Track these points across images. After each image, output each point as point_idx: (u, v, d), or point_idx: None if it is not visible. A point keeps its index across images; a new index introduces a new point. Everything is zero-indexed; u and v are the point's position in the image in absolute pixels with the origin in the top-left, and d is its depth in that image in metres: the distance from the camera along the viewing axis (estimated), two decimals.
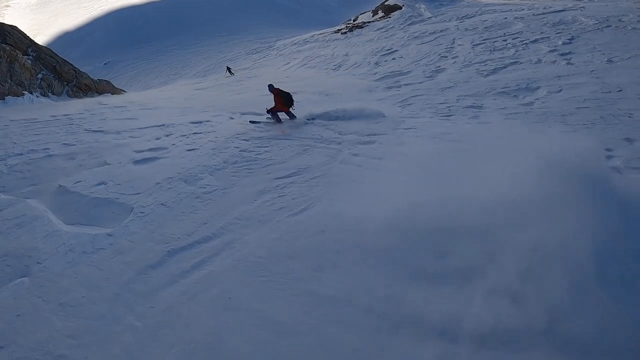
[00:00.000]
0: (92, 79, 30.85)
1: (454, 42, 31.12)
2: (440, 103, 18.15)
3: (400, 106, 18.39)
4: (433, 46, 31.29)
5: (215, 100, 22.77)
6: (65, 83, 29.22)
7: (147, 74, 50.34)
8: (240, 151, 12.01)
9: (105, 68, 54.48)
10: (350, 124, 14.45)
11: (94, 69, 52.52)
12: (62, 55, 29.72)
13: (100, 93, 31.00)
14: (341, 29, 44.61)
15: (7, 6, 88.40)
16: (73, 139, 14.14)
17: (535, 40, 26.68)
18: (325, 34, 44.08)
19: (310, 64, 35.14)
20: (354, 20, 48.07)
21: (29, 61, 27.53)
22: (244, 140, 13.05)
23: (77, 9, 78.94)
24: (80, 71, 30.28)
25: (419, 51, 30.81)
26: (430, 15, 42.57)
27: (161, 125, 15.50)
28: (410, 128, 14.08)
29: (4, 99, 23.45)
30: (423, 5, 45.47)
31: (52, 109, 20.86)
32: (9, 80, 25.12)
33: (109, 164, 11.58)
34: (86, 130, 15.35)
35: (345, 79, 27.74)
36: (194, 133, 14.38)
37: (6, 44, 26.31)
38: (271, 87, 14.74)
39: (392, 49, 33.63)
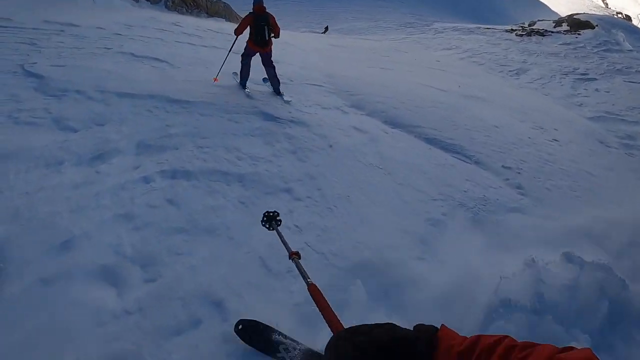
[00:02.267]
0: None
1: None
2: None
3: None
4: None
5: (342, 65, 11.70)
6: None
7: (291, 15, 39.02)
8: None
9: None
10: None
11: None
12: None
13: (210, 15, 20.90)
14: (516, 30, 31.96)
15: None
16: None
17: None
18: (494, 30, 31.55)
19: (476, 58, 23.58)
20: (529, 25, 34.97)
21: None
22: None
23: None
24: None
25: (632, 92, 19.54)
26: (631, 49, 29.66)
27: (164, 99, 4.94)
28: None
29: None
30: (621, 34, 32.11)
31: (103, 14, 11.00)
32: None
33: None
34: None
35: (536, 97, 16.62)
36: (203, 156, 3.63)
37: None
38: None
39: (588, 74, 22.39)
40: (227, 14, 22.01)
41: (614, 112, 15.90)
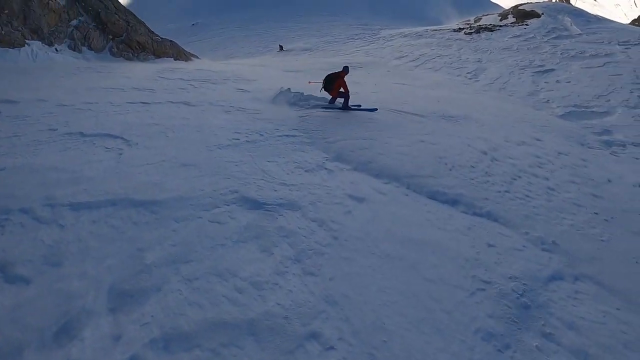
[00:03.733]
0: (151, 37, 19.84)
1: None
2: None
3: None
4: (609, 75, 19.85)
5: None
6: (111, 37, 18.41)
7: (235, 42, 38.28)
8: None
9: (193, 29, 42.90)
10: None
11: (181, 27, 42.07)
12: (150, 10, 19.59)
13: (158, 56, 19.91)
14: (463, 28, 32.46)
15: None
16: None
17: None
18: (443, 31, 31.84)
19: (431, 64, 23.59)
20: (475, 22, 35.66)
21: (61, 1, 16.88)
22: None
23: None
24: (137, 24, 19.35)
25: (592, 78, 19.62)
26: (580, 32, 30.47)
27: None
28: None
29: None
30: (568, 19, 32.98)
31: (44, 78, 10.13)
32: (15, 23, 14.72)
33: None
34: None
35: (503, 103, 16.31)
36: None
37: None
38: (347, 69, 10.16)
39: (545, 66, 22.60)
40: (174, 53, 21.18)
41: (582, 105, 16.06)
